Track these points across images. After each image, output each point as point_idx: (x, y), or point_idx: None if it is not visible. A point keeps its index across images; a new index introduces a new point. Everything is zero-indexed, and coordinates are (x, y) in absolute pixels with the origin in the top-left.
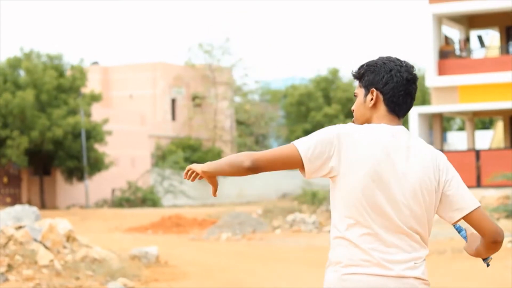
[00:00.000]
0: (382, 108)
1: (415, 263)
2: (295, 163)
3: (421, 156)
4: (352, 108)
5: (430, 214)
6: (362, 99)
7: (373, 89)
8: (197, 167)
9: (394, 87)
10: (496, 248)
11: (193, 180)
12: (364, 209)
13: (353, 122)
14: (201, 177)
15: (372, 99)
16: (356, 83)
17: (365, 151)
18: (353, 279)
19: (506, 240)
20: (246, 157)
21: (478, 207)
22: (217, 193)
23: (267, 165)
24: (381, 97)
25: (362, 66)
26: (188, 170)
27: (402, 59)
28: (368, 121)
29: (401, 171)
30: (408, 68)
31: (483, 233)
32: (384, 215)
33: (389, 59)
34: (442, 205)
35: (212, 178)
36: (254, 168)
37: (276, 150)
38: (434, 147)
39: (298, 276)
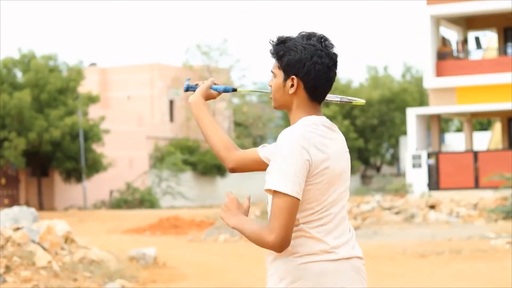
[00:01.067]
0: (302, 94)
1: (355, 244)
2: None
3: (344, 143)
4: (269, 83)
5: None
6: (281, 83)
7: (293, 76)
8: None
9: (315, 76)
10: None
11: None
12: (331, 206)
13: (270, 98)
14: None
15: (292, 85)
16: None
17: (328, 158)
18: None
19: (503, 242)
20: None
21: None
22: (229, 194)
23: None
24: (301, 84)
25: (280, 43)
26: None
27: (322, 36)
28: (287, 104)
29: (344, 162)
30: (329, 52)
31: None
32: (339, 205)
33: (309, 42)
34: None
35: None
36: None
37: (283, 209)
38: (432, 148)
39: None
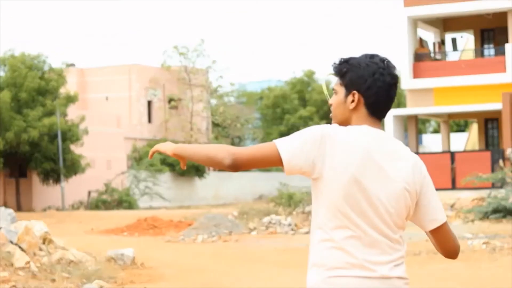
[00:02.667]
0: (363, 110)
1: (396, 263)
2: (275, 162)
3: (404, 160)
4: (330, 102)
5: (407, 216)
6: (342, 99)
7: (354, 91)
8: (167, 147)
9: (376, 92)
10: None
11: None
12: (348, 213)
13: (331, 117)
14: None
15: (353, 101)
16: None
17: (348, 155)
18: (337, 282)
19: (480, 242)
20: (227, 155)
21: (446, 221)
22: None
23: (248, 163)
24: (362, 100)
25: (344, 62)
26: (155, 151)
27: (385, 58)
28: (347, 121)
29: (384, 175)
30: (391, 71)
31: (444, 247)
32: (367, 218)
33: (372, 60)
34: (416, 212)
35: (180, 159)
36: (235, 166)
37: (257, 148)
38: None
39: (274, 277)
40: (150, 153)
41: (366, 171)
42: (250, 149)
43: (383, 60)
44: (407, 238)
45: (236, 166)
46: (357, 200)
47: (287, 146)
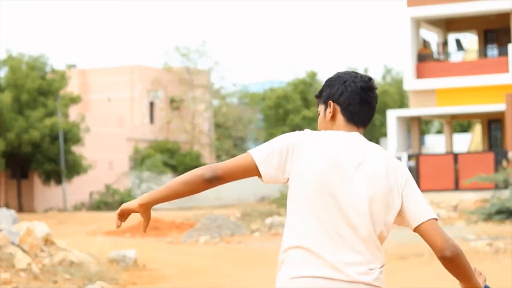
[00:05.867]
0: (340, 118)
1: (369, 269)
2: (252, 171)
3: (376, 162)
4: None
5: (385, 220)
6: (322, 115)
7: (330, 101)
8: (131, 203)
9: (349, 96)
10: (447, 265)
11: (123, 221)
12: (315, 217)
13: None
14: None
15: (329, 111)
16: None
17: (315, 161)
18: (301, 282)
19: (483, 243)
20: (206, 170)
21: (431, 219)
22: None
23: (228, 174)
24: (338, 108)
25: (322, 87)
26: (120, 214)
27: (360, 72)
28: None
29: (351, 178)
30: (363, 78)
31: (432, 247)
32: (336, 222)
33: (345, 72)
34: (400, 213)
35: (147, 211)
36: (216, 178)
37: (234, 159)
38: (412, 150)
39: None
40: (116, 219)
41: (333, 176)
42: (228, 161)
43: (356, 72)
44: (410, 239)
45: (217, 177)
46: (325, 205)
47: (261, 155)
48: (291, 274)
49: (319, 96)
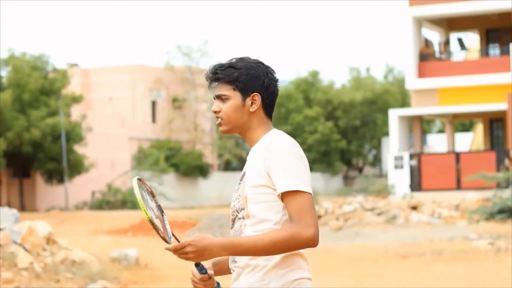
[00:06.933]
0: (261, 113)
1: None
2: None
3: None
4: (215, 109)
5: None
6: (239, 103)
7: (255, 93)
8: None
9: (273, 92)
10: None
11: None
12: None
13: (220, 124)
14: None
15: (253, 104)
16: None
17: (307, 166)
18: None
19: (485, 242)
20: (311, 229)
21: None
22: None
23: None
24: (261, 101)
25: (229, 67)
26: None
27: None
28: (245, 124)
29: None
30: (273, 70)
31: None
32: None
33: (255, 61)
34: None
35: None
36: (317, 237)
37: (311, 208)
38: (414, 150)
39: None
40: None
41: None
42: (311, 213)
43: (262, 62)
44: (411, 239)
45: (318, 236)
46: None
47: (310, 186)
48: (295, 276)
49: (233, 80)
